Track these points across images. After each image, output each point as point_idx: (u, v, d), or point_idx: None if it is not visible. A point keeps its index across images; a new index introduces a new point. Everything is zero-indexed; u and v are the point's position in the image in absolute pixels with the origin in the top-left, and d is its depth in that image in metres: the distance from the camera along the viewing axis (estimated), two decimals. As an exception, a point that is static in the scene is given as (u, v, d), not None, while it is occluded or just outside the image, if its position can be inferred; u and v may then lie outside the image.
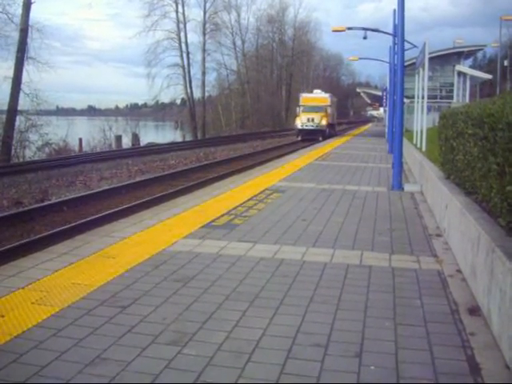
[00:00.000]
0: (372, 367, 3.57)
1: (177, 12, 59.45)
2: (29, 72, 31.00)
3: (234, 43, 72.31)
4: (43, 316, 4.33)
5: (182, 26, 59.85)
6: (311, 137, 42.18)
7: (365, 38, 28.34)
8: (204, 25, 62.33)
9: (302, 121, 43.76)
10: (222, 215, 8.62)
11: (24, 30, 29.76)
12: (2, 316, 4.32)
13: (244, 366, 3.54)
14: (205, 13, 62.52)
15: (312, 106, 44.54)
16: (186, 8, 60.18)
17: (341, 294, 4.99)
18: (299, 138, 43.58)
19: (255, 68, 76.57)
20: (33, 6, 30.01)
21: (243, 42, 74.76)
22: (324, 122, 43.27)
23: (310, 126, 43.22)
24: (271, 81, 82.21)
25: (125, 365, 3.53)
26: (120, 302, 4.66)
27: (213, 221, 8.17)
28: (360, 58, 46.54)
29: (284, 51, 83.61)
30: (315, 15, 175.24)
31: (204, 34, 62.24)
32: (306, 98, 47.66)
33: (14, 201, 14.17)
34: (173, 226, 7.80)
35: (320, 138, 40.97)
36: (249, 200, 10.16)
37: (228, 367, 3.52)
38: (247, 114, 72.44)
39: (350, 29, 28.33)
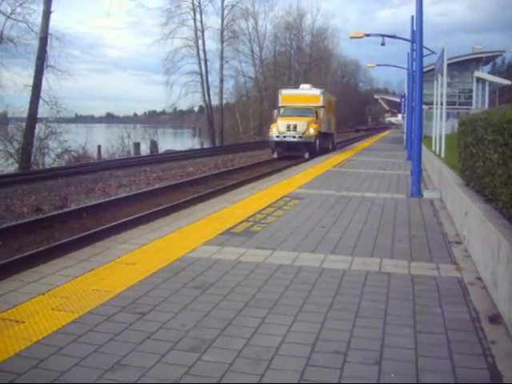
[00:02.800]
0: (392, 375, 3.55)
1: (195, 20, 59.70)
2: (48, 80, 31.24)
3: (252, 50, 72.41)
4: (63, 322, 4.36)
5: (199, 33, 60.07)
6: (292, 153, 30.65)
7: (383, 44, 28.25)
8: (222, 32, 62.46)
9: (278, 129, 30.62)
10: (241, 222, 8.63)
11: (43, 39, 30.02)
12: (23, 322, 4.35)
13: (263, 372, 3.54)
14: (222, 20, 62.70)
15: (296, 108, 32.02)
16: (203, 16, 60.37)
17: (360, 301, 4.97)
18: (275, 156, 31.14)
19: (273, 75, 76.46)
20: (52, 15, 30.29)
21: (261, 49, 74.82)
22: (312, 132, 30.27)
23: (290, 136, 30.17)
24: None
25: (144, 371, 3.54)
26: (139, 309, 4.68)
27: (231, 228, 8.18)
28: (378, 65, 44.37)
29: (302, 58, 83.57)
30: (333, 22, 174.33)
31: (222, 42, 62.40)
32: (287, 95, 34.30)
33: (34, 207, 14.28)
34: (192, 233, 7.82)
35: (306, 155, 29.65)
36: (267, 207, 10.16)
37: (247, 374, 3.52)
38: (265, 120, 72.39)
39: (367, 35, 28.23)
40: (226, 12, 63.02)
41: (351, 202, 11.12)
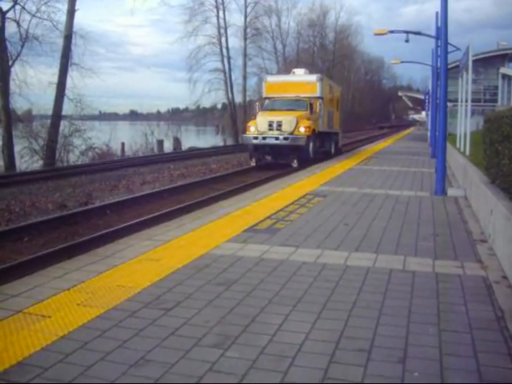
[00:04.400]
0: (416, 373, 3.53)
1: (218, 17, 59.68)
2: (73, 78, 31.49)
3: (275, 48, 72.31)
4: (88, 317, 4.40)
5: (222, 31, 60.07)
6: (276, 159, 23.84)
7: (407, 41, 28.06)
8: (245, 30, 62.41)
9: (258, 127, 22.91)
10: (264, 219, 8.64)
11: (68, 37, 30.28)
12: (49, 316, 4.41)
13: (287, 369, 3.54)
14: (245, 18, 62.65)
15: (284, 100, 24.47)
16: (226, 13, 60.30)
17: (384, 299, 4.95)
18: (253, 164, 23.91)
19: (296, 72, 76.39)
20: (77, 14, 30.53)
21: (284, 46, 74.77)
22: (303, 130, 22.40)
23: (271, 137, 22.35)
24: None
25: (168, 367, 3.56)
26: (164, 305, 4.71)
27: (255, 225, 8.20)
28: (402, 62, 44.10)
29: (325, 55, 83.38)
30: (356, 19, 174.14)
31: (245, 39, 62.37)
32: (273, 83, 26.32)
33: (59, 204, 14.39)
34: (215, 230, 7.85)
35: (294, 163, 22.65)
36: (291, 204, 10.16)
37: (271, 371, 3.53)
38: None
39: (391, 32, 28.06)
40: (249, 9, 62.98)
41: (375, 199, 11.08)
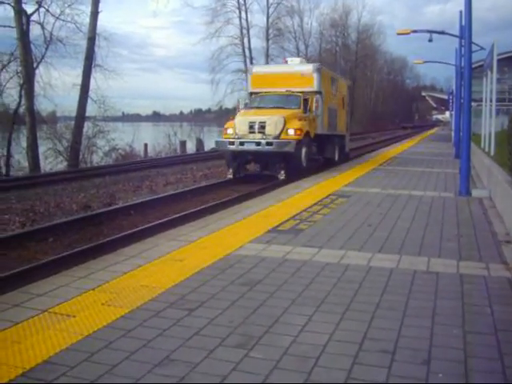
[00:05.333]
0: (440, 375, 3.52)
1: (240, 18, 59.74)
2: (96, 79, 31.65)
3: (298, 48, 72.17)
4: (113, 317, 4.45)
5: (245, 31, 60.10)
6: (259, 169, 20.18)
7: (430, 40, 27.81)
8: (267, 30, 62.40)
9: (237, 130, 18.08)
10: (287, 220, 8.64)
11: (91, 39, 30.48)
12: (74, 316, 4.45)
13: (310, 370, 3.55)
14: (268, 18, 62.64)
15: (273, 96, 19.80)
16: (249, 14, 60.30)
17: (408, 301, 4.93)
18: (229, 175, 18.95)
19: (318, 73, 76.15)
20: (100, 15, 30.72)
21: (306, 46, 74.59)
22: (292, 133, 17.70)
23: (251, 142, 17.75)
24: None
25: (193, 366, 3.58)
26: (188, 305, 4.74)
27: (278, 225, 8.21)
28: (425, 61, 43.64)
29: (347, 55, 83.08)
30: (379, 18, 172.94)
31: (267, 40, 62.35)
32: (260, 75, 20.92)
33: (83, 205, 14.50)
34: (238, 231, 7.87)
35: (281, 174, 18.02)
36: (314, 205, 10.15)
37: (294, 371, 3.53)
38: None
39: (414, 32, 27.84)
40: (271, 10, 62.93)
41: (398, 200, 11.03)
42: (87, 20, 30.95)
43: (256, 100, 20.16)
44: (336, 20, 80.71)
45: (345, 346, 3.92)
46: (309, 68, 20.23)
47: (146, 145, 37.17)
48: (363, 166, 18.15)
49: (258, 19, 79.99)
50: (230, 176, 18.82)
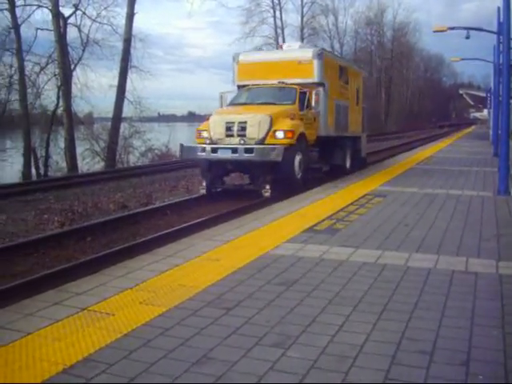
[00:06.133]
0: (480, 376, 3.47)
1: (274, 18, 59.75)
2: (132, 80, 31.97)
3: (332, 47, 71.77)
4: (151, 315, 4.48)
5: (279, 31, 60.13)
6: (238, 184, 17.10)
7: (467, 37, 27.46)
8: (302, 29, 62.32)
9: (211, 133, 14.35)
10: (323, 220, 8.62)
11: (127, 40, 30.82)
12: (113, 314, 4.51)
13: (348, 370, 3.53)
14: (302, 17, 62.54)
15: (262, 89, 16.28)
16: (283, 13, 60.34)
17: (446, 301, 4.88)
18: (202, 190, 15.09)
19: (353, 71, 75.71)
20: (135, 17, 31.03)
21: (341, 45, 74.36)
22: (281, 136, 13.77)
23: (227, 148, 13.87)
24: (370, 84, 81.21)
25: (230, 365, 3.59)
26: (225, 304, 4.76)
27: (314, 225, 8.20)
28: (462, 59, 43.03)
29: (383, 53, 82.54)
30: (415, 16, 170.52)
31: (302, 39, 62.04)
32: (248, 65, 17.13)
33: (120, 204, 14.65)
34: (274, 230, 7.88)
35: (266, 190, 13.97)
36: (350, 205, 10.11)
37: (332, 371, 3.52)
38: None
39: (451, 29, 27.47)
40: (305, 9, 62.85)
41: (436, 199, 10.93)
42: (123, 22, 31.40)
43: (241, 95, 16.41)
44: (371, 18, 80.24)
45: (382, 346, 3.89)
46: (307, 54, 16.36)
47: (181, 145, 37.26)
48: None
49: (292, 18, 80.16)
50: (203, 191, 14.90)
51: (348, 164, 18.62)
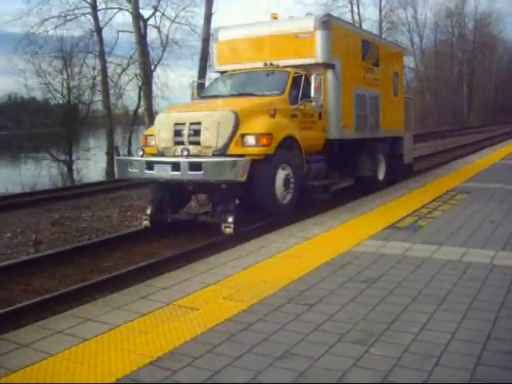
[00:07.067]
0: None
1: (352, 12, 59.09)
2: (211, 79, 32.33)
3: (412, 40, 70.60)
4: (234, 311, 4.57)
5: (357, 25, 59.53)
6: (192, 214, 11.15)
7: (556, 27, 26.44)
8: (380, 23, 61.48)
9: (157, 139, 9.75)
10: (405, 216, 8.52)
11: (206, 40, 31.13)
12: (197, 309, 4.62)
13: (432, 369, 3.49)
14: (380, 11, 61.70)
15: (245, 75, 11.63)
16: (361, 8, 59.68)
17: (534, 301, 4.75)
18: (144, 221, 9.91)
19: (434, 65, 73.95)
20: (214, 16, 31.34)
21: (421, 38, 72.79)
22: (251, 141, 9.01)
23: (166, 163, 9.19)
24: (451, 77, 79.11)
25: (313, 361, 3.62)
26: (307, 300, 4.79)
27: (396, 222, 8.11)
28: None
29: (464, 45, 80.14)
30: (498, 5, 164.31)
31: (380, 33, 61.22)
32: (230, 43, 12.49)
33: (203, 201, 14.80)
34: (356, 227, 7.85)
35: (227, 224, 8.97)
36: (432, 201, 9.93)
37: (415, 369, 3.49)
38: (427, 112, 70.37)
39: (539, 19, 26.50)
40: (383, 2, 61.97)
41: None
42: (201, 22, 31.77)
43: (215, 84, 12.55)
44: (452, 9, 77.95)
45: (468, 346, 3.83)
46: (307, 22, 11.46)
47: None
48: (489, 157, 16.62)
49: (370, 12, 79.10)
50: (146, 222, 10.03)
51: (382, 175, 13.76)
